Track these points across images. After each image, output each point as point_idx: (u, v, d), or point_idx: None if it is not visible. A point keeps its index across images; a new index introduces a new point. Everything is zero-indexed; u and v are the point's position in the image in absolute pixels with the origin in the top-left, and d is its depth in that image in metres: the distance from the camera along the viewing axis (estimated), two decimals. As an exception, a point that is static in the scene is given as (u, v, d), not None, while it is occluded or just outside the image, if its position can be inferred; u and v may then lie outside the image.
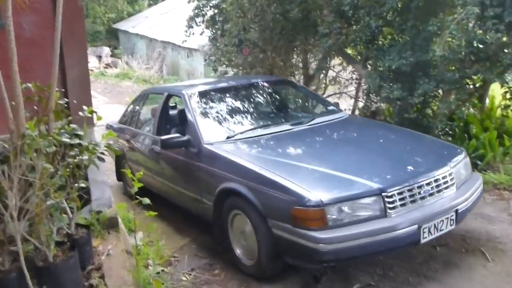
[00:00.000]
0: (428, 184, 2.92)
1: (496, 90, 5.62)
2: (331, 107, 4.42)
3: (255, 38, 6.62)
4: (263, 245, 2.96)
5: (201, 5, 8.06)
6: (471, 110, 5.66)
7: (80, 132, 2.52)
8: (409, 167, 3.09)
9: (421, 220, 2.75)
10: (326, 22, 5.56)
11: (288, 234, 2.74)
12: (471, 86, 5.12)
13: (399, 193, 2.78)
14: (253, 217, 2.99)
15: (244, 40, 6.90)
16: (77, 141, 2.46)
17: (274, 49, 6.79)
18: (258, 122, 3.98)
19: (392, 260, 3.20)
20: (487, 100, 5.77)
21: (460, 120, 5.33)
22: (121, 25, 20.39)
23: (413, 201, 2.83)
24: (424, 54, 4.74)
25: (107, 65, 17.92)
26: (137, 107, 5.07)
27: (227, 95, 4.32)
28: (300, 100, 4.97)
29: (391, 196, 2.75)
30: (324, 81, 7.55)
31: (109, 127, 5.37)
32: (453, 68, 4.85)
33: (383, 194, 2.73)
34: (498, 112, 5.58)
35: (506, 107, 5.08)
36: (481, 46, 4.43)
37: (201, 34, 8.51)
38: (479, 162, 4.80)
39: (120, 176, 5.27)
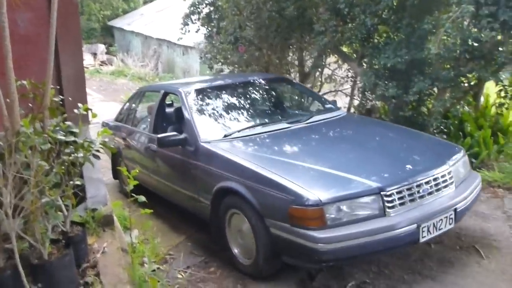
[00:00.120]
0: (427, 183, 2.91)
1: (490, 88, 5.64)
2: (328, 105, 4.41)
3: (251, 36, 6.61)
4: (261, 245, 2.95)
5: (197, 3, 8.03)
6: (466, 108, 5.69)
7: (75, 130, 2.51)
8: (408, 166, 3.08)
9: (420, 219, 2.74)
10: (322, 20, 5.56)
11: (286, 234, 2.73)
12: (466, 84, 5.14)
13: (398, 192, 2.77)
14: (250, 216, 2.98)
15: (240, 38, 6.89)
16: (72, 138, 2.45)
17: (270, 47, 6.79)
18: (256, 120, 3.98)
19: (387, 258, 3.21)
20: (482, 98, 5.79)
21: (455, 118, 5.36)
22: (116, 23, 20.30)
23: (412, 200, 2.82)
24: (419, 52, 4.76)
25: (102, 63, 17.84)
26: (133, 105, 5.06)
27: (224, 93, 4.31)
28: (298, 98, 4.97)
29: (390, 195, 2.74)
30: (320, 79, 7.55)
31: (105, 125, 5.36)
32: (448, 66, 4.88)
33: (382, 193, 2.72)
34: (493, 110, 5.60)
35: (501, 105, 5.11)
36: (476, 44, 4.45)
37: (196, 32, 8.48)
38: (473, 160, 4.82)
39: (116, 174, 5.25)
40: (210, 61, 8.09)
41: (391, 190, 2.75)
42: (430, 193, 2.91)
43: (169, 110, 4.59)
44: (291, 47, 7.22)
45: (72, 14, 3.16)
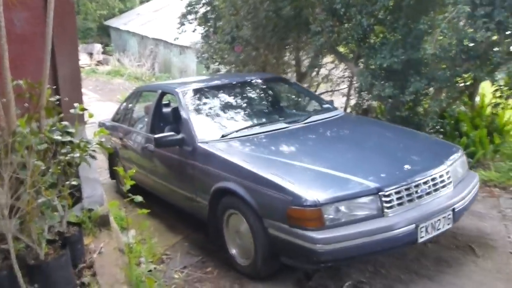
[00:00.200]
0: (425, 183, 2.90)
1: (486, 88, 5.67)
2: (326, 105, 4.41)
3: (248, 36, 6.61)
4: (259, 245, 2.94)
5: (194, 2, 8.02)
6: (462, 108, 5.71)
7: (72, 130, 2.50)
8: (406, 166, 3.07)
9: (419, 220, 2.74)
10: (318, 20, 5.57)
11: (285, 234, 2.72)
12: (462, 84, 5.17)
13: (396, 192, 2.77)
14: (248, 216, 2.97)
15: (236, 38, 6.89)
16: (68, 138, 2.45)
17: (267, 47, 6.79)
18: (253, 120, 3.97)
19: (383, 258, 3.22)
20: (478, 98, 5.82)
21: (451, 118, 5.38)
22: (113, 22, 20.24)
23: (410, 200, 2.82)
24: (416, 52, 4.77)
25: (99, 62, 17.79)
26: (130, 105, 5.04)
27: (222, 93, 4.30)
28: (295, 98, 4.97)
29: (388, 195, 2.73)
30: (316, 79, 7.57)
31: (101, 125, 5.35)
32: (444, 66, 4.89)
33: (380, 193, 2.72)
34: (488, 110, 5.63)
35: (496, 105, 5.13)
36: (471, 44, 4.47)
37: (193, 32, 8.47)
38: (470, 160, 4.84)
39: (113, 174, 5.24)
40: (207, 61, 8.09)
41: (389, 190, 2.75)
42: (428, 193, 2.91)
43: (166, 110, 4.59)
44: (288, 47, 7.23)
45: (69, 14, 3.15)
